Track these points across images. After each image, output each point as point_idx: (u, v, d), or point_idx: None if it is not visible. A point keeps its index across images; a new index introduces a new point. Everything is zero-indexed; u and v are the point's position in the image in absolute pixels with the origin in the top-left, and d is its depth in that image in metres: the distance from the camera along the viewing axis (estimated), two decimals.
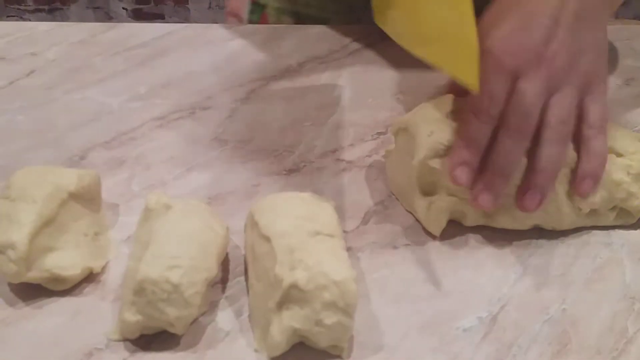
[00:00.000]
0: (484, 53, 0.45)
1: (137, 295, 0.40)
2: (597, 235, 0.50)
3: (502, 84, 0.45)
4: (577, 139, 0.48)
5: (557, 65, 0.46)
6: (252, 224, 0.45)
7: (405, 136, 0.51)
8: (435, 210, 0.48)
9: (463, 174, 0.46)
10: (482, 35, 0.45)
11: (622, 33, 0.75)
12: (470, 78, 0.45)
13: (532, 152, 0.46)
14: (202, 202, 0.46)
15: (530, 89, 0.45)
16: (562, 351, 0.42)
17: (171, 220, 0.43)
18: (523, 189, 0.47)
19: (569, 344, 0.42)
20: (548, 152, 0.46)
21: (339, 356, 0.41)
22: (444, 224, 0.49)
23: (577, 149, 0.48)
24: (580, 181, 0.47)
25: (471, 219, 0.49)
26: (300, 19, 0.79)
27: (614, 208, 0.50)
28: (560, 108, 0.46)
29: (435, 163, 0.48)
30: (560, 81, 0.46)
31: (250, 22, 0.82)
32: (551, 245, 0.49)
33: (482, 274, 0.47)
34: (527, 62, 0.45)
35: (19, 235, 0.42)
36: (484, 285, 0.46)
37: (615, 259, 0.48)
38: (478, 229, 0.50)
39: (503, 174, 0.46)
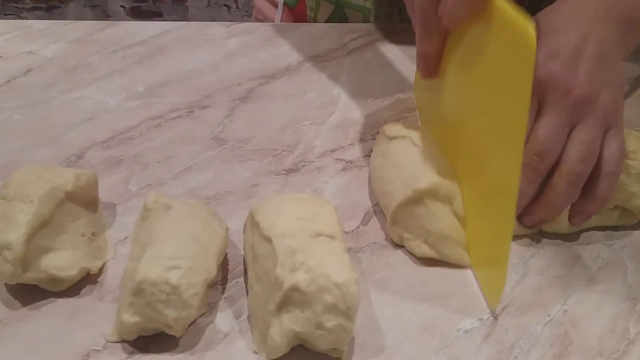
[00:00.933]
0: None
1: (135, 296, 0.39)
2: (599, 236, 0.50)
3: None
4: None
5: (583, 95, 0.45)
6: (252, 224, 0.44)
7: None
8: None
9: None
10: None
11: None
12: (492, 299, 0.44)
13: (545, 179, 0.46)
14: (201, 202, 0.46)
15: (553, 121, 0.44)
16: (564, 352, 0.41)
17: (170, 221, 0.43)
18: (528, 209, 0.47)
19: (571, 345, 0.42)
20: (560, 189, 0.45)
21: (338, 359, 0.40)
22: None
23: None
24: (572, 215, 0.48)
25: None
26: (339, 5, 0.78)
27: (616, 207, 0.49)
28: (582, 144, 0.45)
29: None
30: (583, 112, 0.45)
31: (287, 5, 0.81)
32: (552, 246, 0.49)
33: None
34: (553, 90, 0.45)
35: (15, 236, 0.41)
36: None
37: (617, 259, 0.48)
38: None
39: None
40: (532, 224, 0.48)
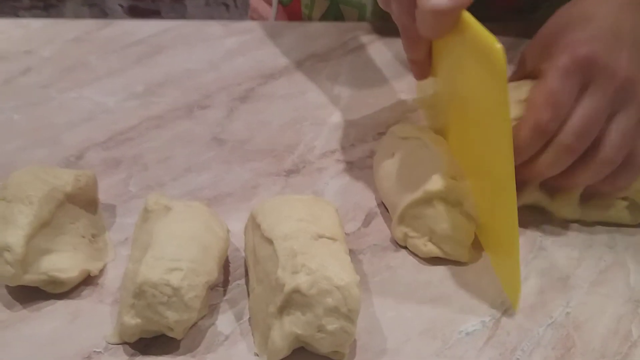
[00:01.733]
0: (553, 56, 0.45)
1: (136, 297, 0.39)
2: (601, 238, 0.49)
3: (570, 94, 0.44)
4: None
5: (627, 79, 0.44)
6: (253, 226, 0.44)
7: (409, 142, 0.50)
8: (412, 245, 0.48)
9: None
10: (547, 43, 0.47)
11: None
12: (512, 295, 0.44)
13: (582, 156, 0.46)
14: (202, 204, 0.46)
15: (595, 103, 0.44)
16: (566, 355, 0.41)
17: (172, 222, 0.42)
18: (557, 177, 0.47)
19: (573, 347, 0.42)
20: (589, 174, 0.46)
21: None
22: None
23: None
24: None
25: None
26: (334, 1, 0.77)
27: (625, 199, 0.49)
28: (620, 134, 0.45)
29: None
30: (625, 98, 0.45)
31: (281, 3, 0.81)
32: (555, 248, 0.48)
33: (485, 277, 0.46)
34: (599, 72, 0.44)
35: (15, 237, 0.41)
36: (487, 289, 0.45)
37: (620, 261, 0.48)
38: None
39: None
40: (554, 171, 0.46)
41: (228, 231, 0.46)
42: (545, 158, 0.45)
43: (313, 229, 0.41)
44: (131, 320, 0.40)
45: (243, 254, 0.47)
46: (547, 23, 0.49)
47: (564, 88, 0.44)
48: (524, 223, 0.50)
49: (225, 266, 0.46)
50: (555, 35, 0.47)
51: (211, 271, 0.42)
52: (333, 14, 0.78)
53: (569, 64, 0.44)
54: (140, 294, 0.39)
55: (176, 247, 0.41)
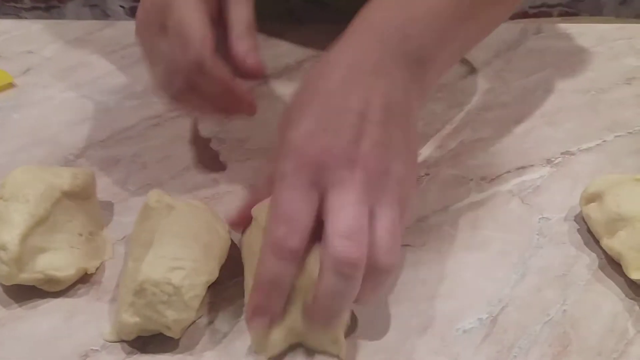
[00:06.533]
0: (279, 161, 0.37)
1: (136, 296, 0.39)
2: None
3: (305, 201, 0.36)
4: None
5: (373, 167, 0.37)
6: (255, 224, 0.44)
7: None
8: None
9: (259, 324, 0.38)
10: (279, 137, 0.39)
11: (622, 32, 0.74)
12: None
13: None
14: (203, 203, 0.46)
15: (348, 201, 0.36)
16: (563, 352, 0.41)
17: (174, 221, 0.42)
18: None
19: (570, 345, 0.42)
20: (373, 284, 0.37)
21: (337, 356, 0.40)
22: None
23: None
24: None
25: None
26: None
27: None
28: (385, 235, 0.37)
29: None
30: (378, 188, 0.37)
31: None
32: (552, 246, 0.48)
33: (483, 274, 0.46)
34: (337, 168, 0.36)
35: (10, 236, 0.41)
36: (484, 286, 0.45)
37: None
38: (478, 231, 0.49)
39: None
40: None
41: (229, 231, 0.46)
42: (325, 284, 0.36)
43: None
44: (130, 318, 0.40)
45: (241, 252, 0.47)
46: (291, 101, 0.41)
47: (296, 201, 0.36)
48: (522, 223, 0.50)
49: (224, 264, 0.46)
50: (289, 123, 0.39)
51: (212, 271, 0.42)
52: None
53: (296, 174, 0.37)
54: (141, 292, 0.39)
55: (179, 246, 0.41)
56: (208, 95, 0.46)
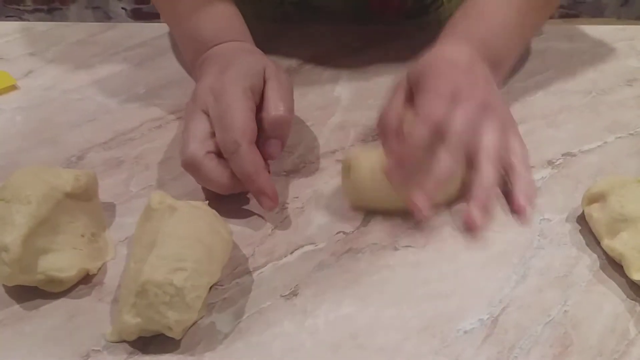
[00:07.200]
0: (430, 85, 0.51)
1: (138, 296, 0.39)
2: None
3: (445, 105, 0.50)
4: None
5: (483, 100, 0.52)
6: None
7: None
8: None
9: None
10: (422, 74, 0.53)
11: (624, 33, 0.74)
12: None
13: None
14: (205, 205, 0.46)
15: (465, 111, 0.50)
16: (564, 353, 0.41)
17: (177, 222, 0.42)
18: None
19: (571, 345, 0.42)
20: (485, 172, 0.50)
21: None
22: None
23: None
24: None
25: None
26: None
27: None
28: (494, 138, 0.51)
29: None
30: (485, 112, 0.51)
31: None
32: (552, 247, 0.49)
33: (483, 275, 0.46)
34: (463, 97, 0.50)
35: (12, 237, 0.41)
36: (485, 287, 0.45)
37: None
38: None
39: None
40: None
41: (231, 233, 0.46)
42: (445, 156, 0.48)
43: None
44: (131, 319, 0.40)
45: (242, 253, 0.47)
46: (421, 60, 0.55)
47: (441, 101, 0.50)
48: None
49: (225, 265, 0.47)
50: (428, 71, 0.53)
51: (214, 272, 0.42)
52: None
53: (443, 90, 0.50)
54: (143, 293, 0.39)
55: (181, 247, 0.41)
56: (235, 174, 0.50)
